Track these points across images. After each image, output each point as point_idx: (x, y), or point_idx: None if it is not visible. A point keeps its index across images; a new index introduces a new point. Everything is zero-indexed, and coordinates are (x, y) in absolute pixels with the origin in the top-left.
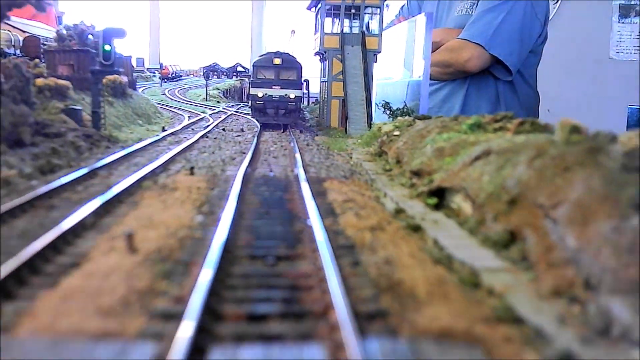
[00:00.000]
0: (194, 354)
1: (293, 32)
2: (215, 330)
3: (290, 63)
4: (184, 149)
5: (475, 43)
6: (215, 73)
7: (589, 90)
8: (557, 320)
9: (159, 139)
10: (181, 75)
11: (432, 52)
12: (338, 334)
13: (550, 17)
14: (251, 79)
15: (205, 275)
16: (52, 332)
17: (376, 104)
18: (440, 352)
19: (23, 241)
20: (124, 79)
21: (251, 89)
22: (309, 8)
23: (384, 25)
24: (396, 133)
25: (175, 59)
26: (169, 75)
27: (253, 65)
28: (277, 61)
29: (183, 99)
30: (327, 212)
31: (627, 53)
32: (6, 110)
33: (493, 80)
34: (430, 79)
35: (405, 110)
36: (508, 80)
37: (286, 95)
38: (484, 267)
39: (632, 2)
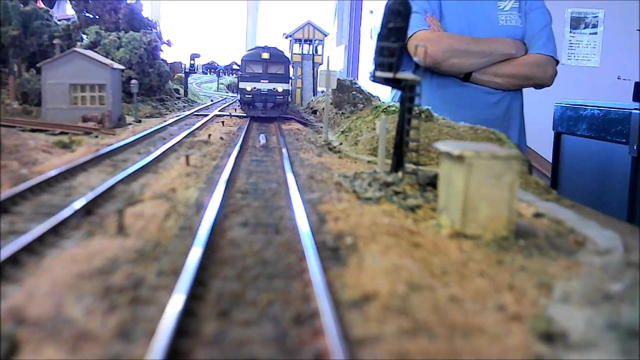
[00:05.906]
0: (248, 132)
1: (285, 35)
2: (249, 130)
3: (278, 57)
4: (230, 104)
5: (555, 59)
6: (214, 70)
7: (542, 91)
8: (327, 126)
9: (215, 102)
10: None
11: (501, 62)
12: (276, 131)
13: None
14: (240, 73)
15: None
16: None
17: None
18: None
19: (204, 115)
20: (183, 75)
21: (240, 82)
22: (286, 38)
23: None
24: (313, 100)
25: (175, 58)
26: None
27: (242, 60)
28: (265, 55)
29: (202, 90)
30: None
31: (577, 60)
32: (169, 86)
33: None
34: (495, 88)
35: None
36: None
37: (274, 89)
38: (315, 122)
39: (581, 15)
